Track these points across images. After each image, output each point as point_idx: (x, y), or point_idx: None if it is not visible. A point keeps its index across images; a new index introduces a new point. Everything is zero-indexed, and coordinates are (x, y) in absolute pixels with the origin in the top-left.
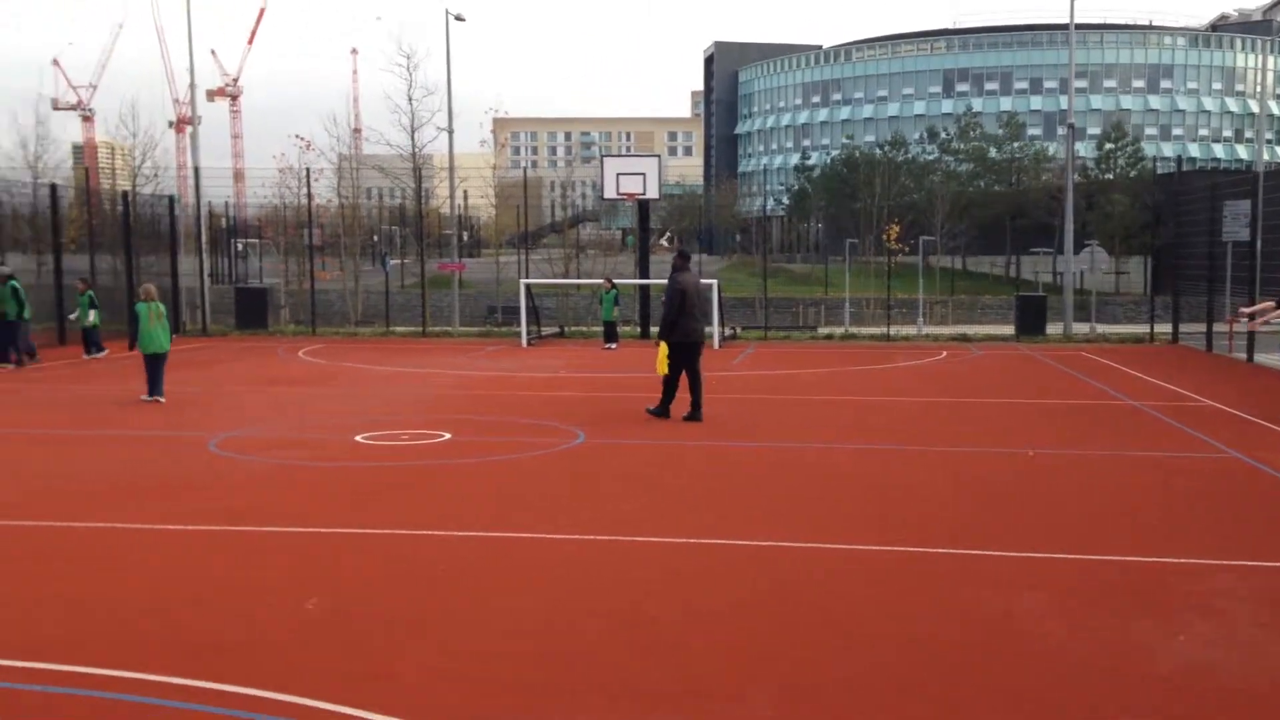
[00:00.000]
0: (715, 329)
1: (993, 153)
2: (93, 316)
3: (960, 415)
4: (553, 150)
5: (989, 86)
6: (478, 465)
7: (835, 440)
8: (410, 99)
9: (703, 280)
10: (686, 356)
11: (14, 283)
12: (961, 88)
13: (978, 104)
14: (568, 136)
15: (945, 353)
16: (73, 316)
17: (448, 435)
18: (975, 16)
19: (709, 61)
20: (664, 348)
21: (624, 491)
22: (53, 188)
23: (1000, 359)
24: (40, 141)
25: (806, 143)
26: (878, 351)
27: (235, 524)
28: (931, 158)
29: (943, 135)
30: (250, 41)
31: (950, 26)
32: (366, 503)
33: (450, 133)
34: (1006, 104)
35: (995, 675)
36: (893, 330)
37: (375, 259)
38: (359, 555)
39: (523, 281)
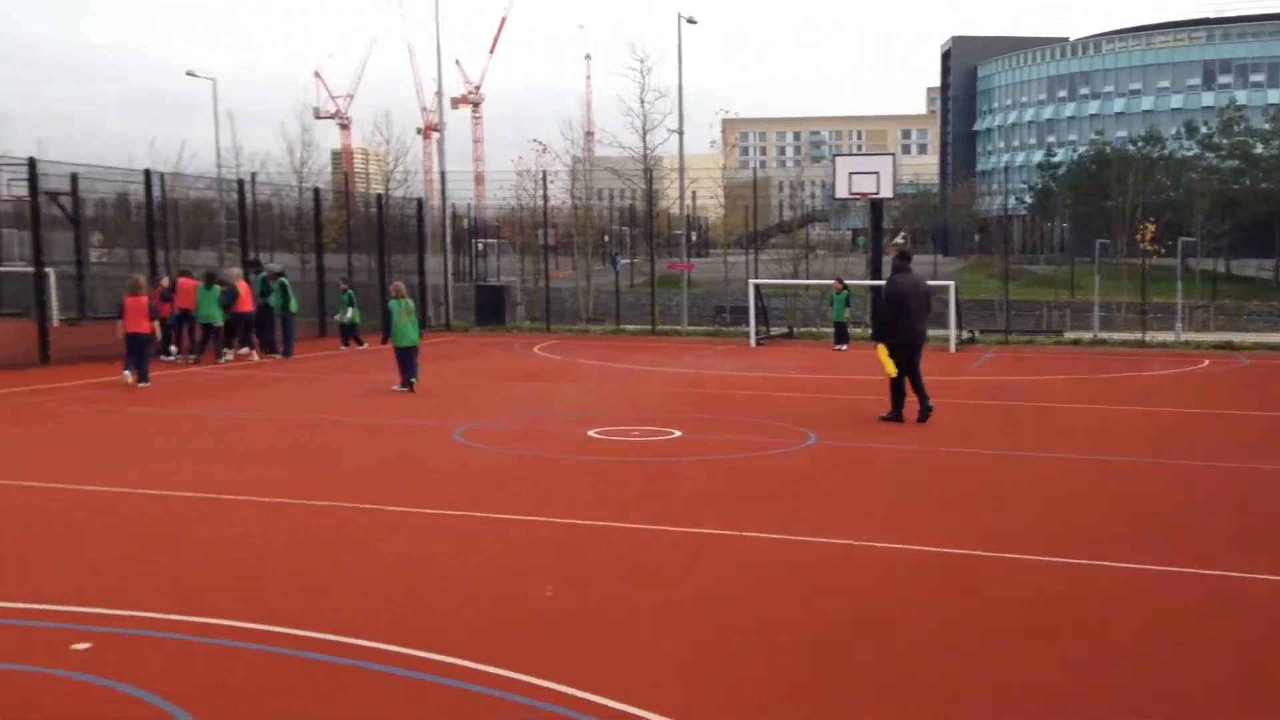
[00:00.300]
0: (952, 332)
1: (1259, 148)
2: (351, 314)
3: (1225, 428)
4: (781, 150)
5: (1255, 78)
6: (709, 463)
7: (1083, 450)
8: (642, 102)
9: (939, 281)
10: (906, 357)
11: (283, 279)
12: (1224, 79)
13: (1242, 96)
14: (796, 136)
15: (1208, 361)
16: (337, 317)
17: (678, 433)
18: (1239, 4)
19: (946, 57)
20: (883, 349)
21: (857, 493)
22: (316, 192)
23: (1271, 369)
24: (305, 148)
25: (1051, 139)
26: (1131, 359)
27: (477, 510)
28: (1190, 154)
29: (1203, 130)
30: (492, 50)
31: (1211, 15)
32: (600, 496)
33: (680, 134)
34: (1275, 96)
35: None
36: (1148, 336)
37: (606, 258)
38: (593, 546)
39: (751, 282)
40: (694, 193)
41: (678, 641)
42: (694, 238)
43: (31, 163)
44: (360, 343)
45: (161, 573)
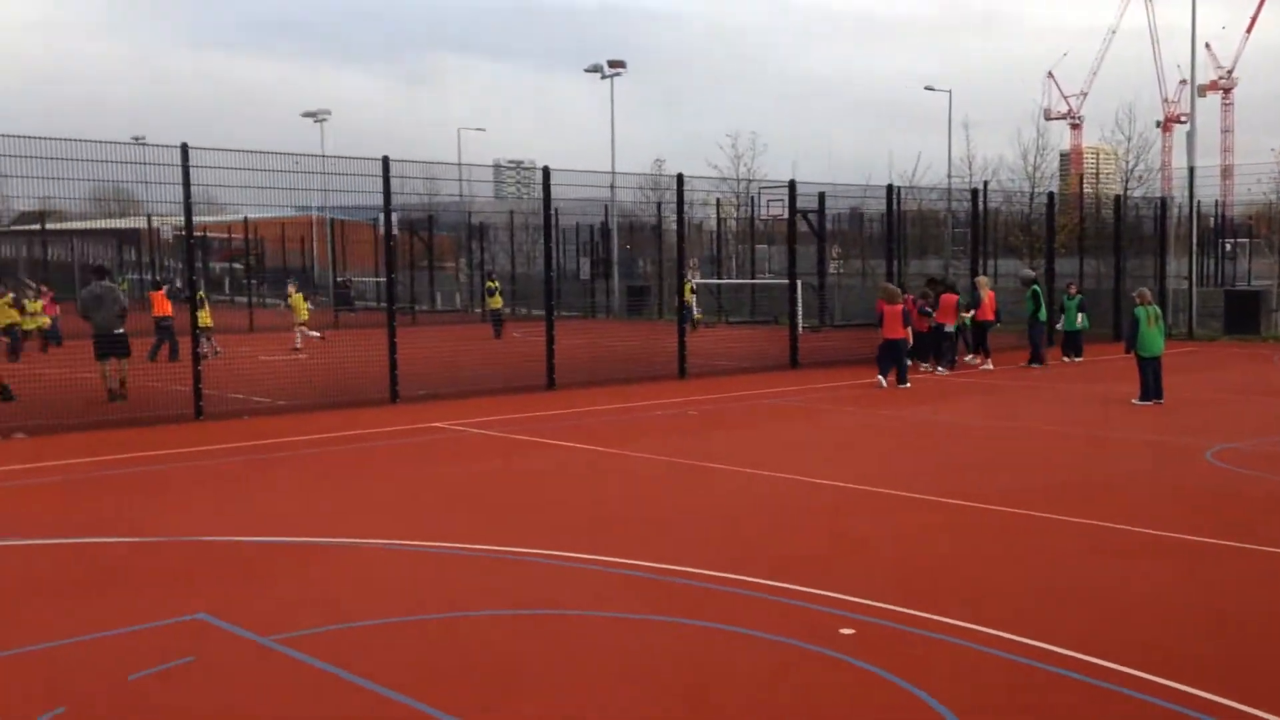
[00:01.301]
0: None
1: None
2: (1080, 320)
3: None
4: None
5: None
6: None
7: None
8: None
9: None
10: None
11: (1036, 287)
12: None
13: None
14: None
15: None
16: (1061, 325)
17: None
18: None
19: None
20: None
21: None
22: (1050, 196)
23: None
24: (1039, 152)
25: None
26: None
27: (1239, 539)
28: None
29: None
30: (1249, 29)
31: None
32: None
33: None
34: None
35: None
36: None
37: None
38: None
39: None
40: None
41: None
42: None
43: (791, 185)
44: (1079, 354)
45: (908, 572)
